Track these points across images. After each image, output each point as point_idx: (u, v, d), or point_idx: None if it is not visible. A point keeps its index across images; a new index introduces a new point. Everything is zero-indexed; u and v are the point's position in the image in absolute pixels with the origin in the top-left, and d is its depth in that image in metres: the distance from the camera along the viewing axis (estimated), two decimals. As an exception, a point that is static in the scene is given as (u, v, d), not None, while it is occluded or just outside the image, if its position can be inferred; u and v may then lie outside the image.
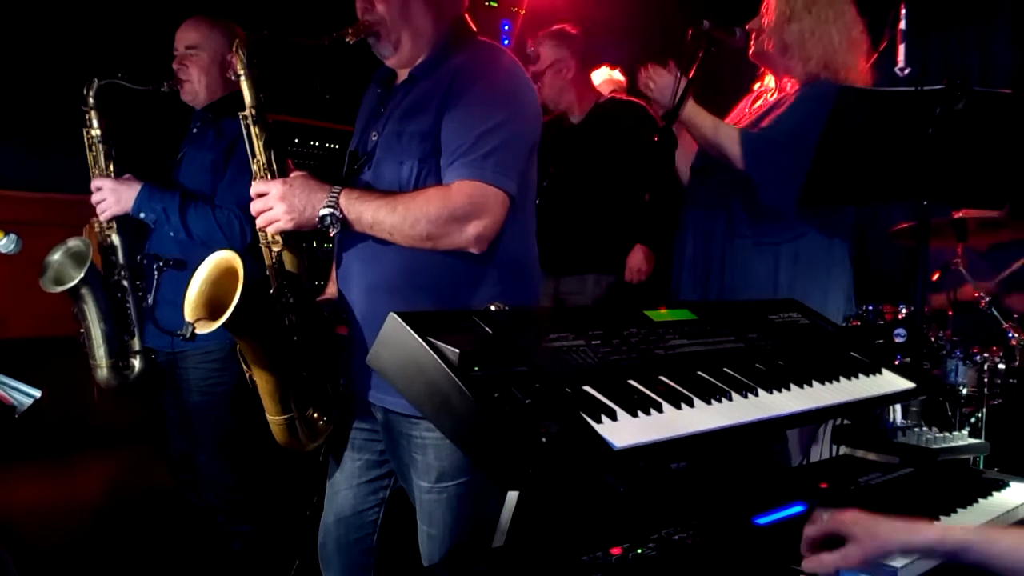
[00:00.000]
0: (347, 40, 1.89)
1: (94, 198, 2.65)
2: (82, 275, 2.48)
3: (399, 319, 1.25)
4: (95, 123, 2.67)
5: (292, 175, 1.89)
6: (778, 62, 2.69)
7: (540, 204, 3.42)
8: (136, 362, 2.71)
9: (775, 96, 2.71)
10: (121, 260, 2.68)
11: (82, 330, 2.62)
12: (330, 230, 1.82)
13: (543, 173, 3.43)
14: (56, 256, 2.54)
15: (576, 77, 3.63)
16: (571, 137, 3.60)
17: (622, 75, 3.94)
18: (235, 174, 2.67)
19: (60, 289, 2.49)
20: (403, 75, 2.00)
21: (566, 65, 3.60)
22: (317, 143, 3.90)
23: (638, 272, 3.53)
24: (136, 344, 2.71)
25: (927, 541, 1.21)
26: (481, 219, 1.80)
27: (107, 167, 2.68)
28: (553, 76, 3.59)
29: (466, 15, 2.04)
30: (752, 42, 2.70)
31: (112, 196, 2.63)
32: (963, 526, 1.29)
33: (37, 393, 1.77)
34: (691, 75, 2.55)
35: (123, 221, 2.68)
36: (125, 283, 2.69)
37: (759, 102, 2.78)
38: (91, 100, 2.65)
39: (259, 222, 1.88)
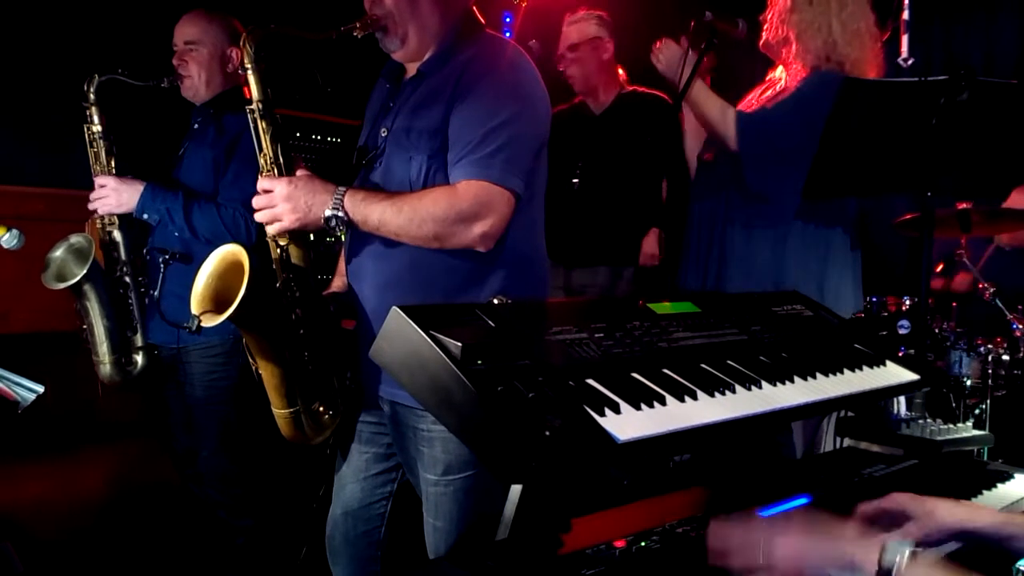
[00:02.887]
0: (355, 34, 1.89)
1: (94, 194, 2.65)
2: (84, 271, 2.48)
3: (402, 313, 1.24)
4: (96, 119, 2.66)
5: (297, 174, 1.87)
6: (782, 52, 2.68)
7: (567, 198, 3.42)
8: (139, 358, 2.72)
9: (782, 85, 2.71)
10: (123, 256, 2.68)
11: (85, 326, 2.62)
12: (335, 231, 1.82)
13: (572, 169, 3.42)
14: (58, 252, 2.54)
15: (610, 60, 3.60)
16: (596, 129, 3.56)
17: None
18: (238, 171, 2.67)
19: (62, 286, 2.49)
20: (411, 70, 1.99)
21: (604, 47, 3.55)
22: (319, 137, 3.90)
23: (651, 257, 3.52)
24: (139, 340, 2.71)
25: (987, 525, 1.16)
26: (487, 218, 1.80)
27: (108, 163, 2.68)
28: (590, 53, 3.53)
29: (474, 8, 2.03)
30: (762, 32, 2.71)
31: (114, 195, 2.63)
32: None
33: (40, 388, 1.77)
34: (699, 54, 2.55)
35: (125, 217, 2.67)
36: (127, 279, 2.69)
37: (768, 92, 2.78)
38: (92, 96, 2.65)
39: (261, 218, 1.87)
